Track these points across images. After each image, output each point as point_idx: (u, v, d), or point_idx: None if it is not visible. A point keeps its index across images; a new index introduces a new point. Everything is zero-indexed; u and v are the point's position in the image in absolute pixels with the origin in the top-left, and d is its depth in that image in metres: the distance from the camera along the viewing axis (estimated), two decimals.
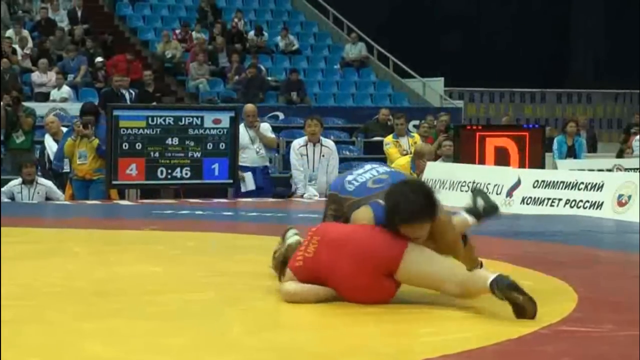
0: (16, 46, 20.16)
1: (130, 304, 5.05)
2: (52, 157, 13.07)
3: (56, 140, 12.97)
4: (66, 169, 12.37)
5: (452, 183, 11.72)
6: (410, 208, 4.81)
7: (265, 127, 13.01)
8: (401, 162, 12.72)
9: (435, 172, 12.12)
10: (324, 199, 12.27)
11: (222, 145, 12.01)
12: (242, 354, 4.07)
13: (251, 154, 12.65)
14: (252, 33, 23.04)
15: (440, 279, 4.87)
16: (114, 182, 11.74)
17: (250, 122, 12.71)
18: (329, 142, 12.81)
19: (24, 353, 3.98)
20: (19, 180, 12.09)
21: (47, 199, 12.06)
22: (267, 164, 13.23)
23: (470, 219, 5.41)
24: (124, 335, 4.39)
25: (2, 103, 14.38)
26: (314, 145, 12.47)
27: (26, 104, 15.06)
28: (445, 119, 17.57)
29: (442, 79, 23.51)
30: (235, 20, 23.39)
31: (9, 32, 20.50)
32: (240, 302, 5.10)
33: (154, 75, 19.90)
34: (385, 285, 4.90)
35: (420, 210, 4.85)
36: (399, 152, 13.66)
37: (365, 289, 4.87)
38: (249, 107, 13.07)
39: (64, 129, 12.93)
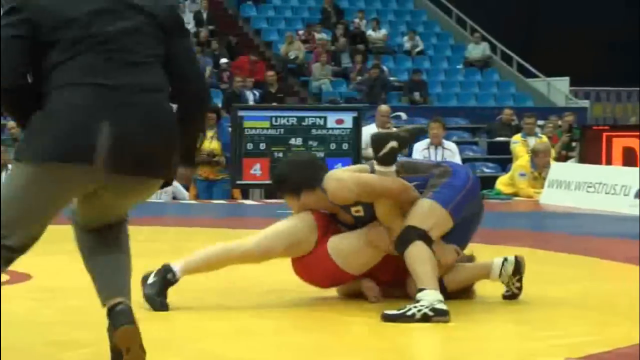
0: None
1: (253, 303, 5.10)
2: None
3: None
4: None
5: (577, 184, 11.54)
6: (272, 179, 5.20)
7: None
8: (522, 163, 12.59)
9: (560, 172, 11.95)
10: None
11: (345, 146, 12.02)
12: (366, 354, 4.08)
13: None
14: (374, 33, 23.06)
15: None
16: (238, 182, 11.87)
17: (383, 123, 12.85)
18: (450, 145, 12.79)
19: (150, 350, 4.05)
20: None
21: (174, 198, 12.29)
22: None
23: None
24: (247, 334, 4.44)
25: None
26: (436, 148, 12.49)
27: None
28: (569, 119, 17.31)
29: (568, 78, 23.15)
30: (357, 20, 23.43)
31: None
32: (364, 301, 5.11)
33: (277, 76, 20.08)
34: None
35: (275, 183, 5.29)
36: (526, 151, 13.50)
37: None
38: (384, 107, 13.33)
39: None
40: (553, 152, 14.40)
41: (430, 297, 4.57)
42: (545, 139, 14.38)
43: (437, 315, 4.53)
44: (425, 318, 4.51)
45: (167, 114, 3.48)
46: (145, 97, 3.40)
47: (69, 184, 3.45)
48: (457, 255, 5.05)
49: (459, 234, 5.01)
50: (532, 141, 13.78)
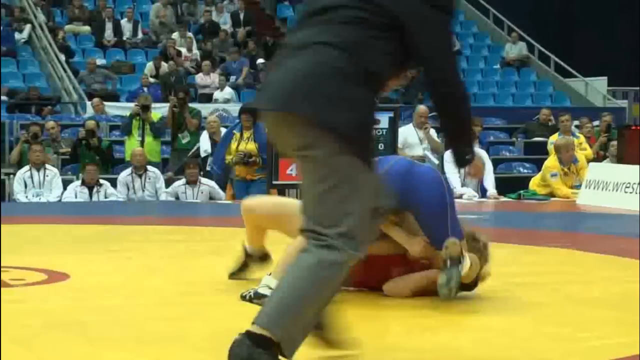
0: (182, 48, 20.68)
1: None
2: (201, 153, 13.43)
3: (213, 140, 13.24)
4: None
5: (615, 184, 11.47)
6: None
7: (433, 132, 13.18)
8: (550, 163, 12.54)
9: (598, 173, 11.88)
10: (483, 199, 12.27)
11: (381, 146, 12.00)
12: (403, 354, 4.08)
13: (418, 153, 12.72)
14: None
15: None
16: (274, 182, 11.89)
17: (421, 123, 12.85)
18: (481, 152, 12.77)
19: (189, 349, 4.09)
20: (183, 180, 12.40)
21: (211, 198, 12.34)
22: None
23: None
24: None
25: (169, 104, 14.78)
26: None
27: (191, 105, 15.42)
28: (607, 119, 17.20)
29: (606, 78, 23.00)
30: None
31: (175, 35, 21.03)
32: (399, 301, 5.11)
33: None
34: None
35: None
36: None
37: None
38: (422, 108, 13.34)
39: (223, 130, 13.17)
40: (590, 152, 14.33)
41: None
42: (583, 138, 14.32)
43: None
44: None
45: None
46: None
47: None
48: (422, 246, 5.05)
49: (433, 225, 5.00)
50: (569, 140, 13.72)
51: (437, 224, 4.95)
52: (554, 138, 13.89)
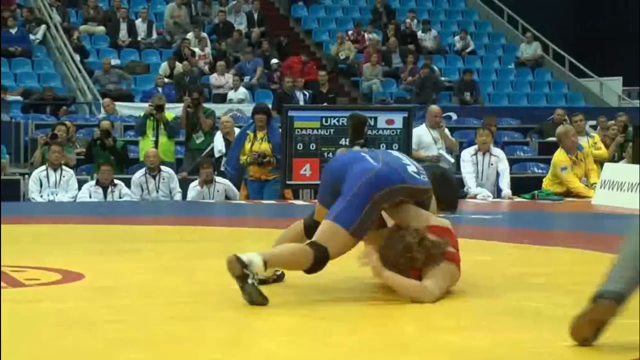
0: (196, 49, 20.71)
1: (301, 303, 5.12)
2: (215, 153, 13.45)
3: (227, 140, 13.25)
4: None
5: (630, 185, 11.43)
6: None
7: (447, 131, 13.21)
8: (557, 157, 12.48)
9: (613, 173, 11.84)
10: (498, 199, 12.25)
11: (395, 146, 12.01)
12: (415, 355, 4.08)
13: (433, 153, 12.71)
14: (424, 35, 23.01)
15: None
16: (289, 182, 11.90)
17: (435, 123, 12.84)
18: (498, 151, 12.76)
19: (203, 348, 4.09)
20: (197, 181, 12.41)
21: (227, 197, 12.36)
22: (448, 166, 13.26)
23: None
24: (298, 334, 4.46)
25: (183, 104, 14.80)
26: (484, 155, 12.48)
27: (205, 105, 15.44)
28: (622, 119, 17.15)
29: (621, 78, 22.94)
30: (408, 20, 23.40)
31: (189, 35, 21.07)
32: (413, 303, 5.11)
33: (328, 76, 20.12)
34: None
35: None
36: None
37: None
38: (435, 108, 13.33)
39: (237, 130, 13.18)
40: (605, 152, 14.28)
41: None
42: (597, 137, 14.27)
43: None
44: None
45: None
46: None
47: None
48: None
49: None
50: (583, 140, 13.68)
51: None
52: None
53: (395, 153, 5.47)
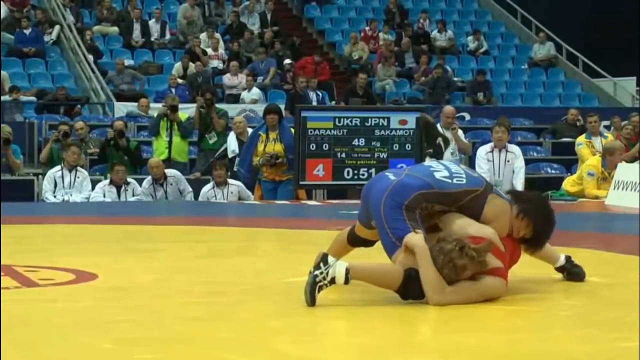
0: (209, 49, 20.73)
1: (316, 303, 5.12)
2: (229, 153, 13.45)
3: (240, 140, 13.26)
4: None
5: None
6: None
7: (460, 133, 13.17)
8: (592, 162, 12.46)
9: (626, 173, 11.81)
10: None
11: (408, 146, 12.01)
12: (429, 355, 4.08)
13: (446, 154, 12.69)
14: (438, 33, 23.00)
15: None
16: (302, 183, 11.90)
17: (448, 124, 12.83)
18: (514, 148, 12.73)
19: (216, 348, 4.10)
20: (211, 184, 12.38)
21: (239, 198, 12.35)
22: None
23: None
24: (311, 334, 4.46)
25: (196, 105, 14.82)
26: (500, 152, 12.46)
27: (218, 105, 15.45)
28: (636, 119, 17.08)
29: (634, 78, 22.88)
30: (422, 20, 23.38)
31: (202, 35, 21.09)
32: (425, 301, 5.10)
33: (341, 76, 20.11)
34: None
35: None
36: (591, 152, 13.36)
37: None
38: (449, 108, 13.33)
39: (250, 130, 13.18)
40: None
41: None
42: (611, 137, 14.21)
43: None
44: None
45: None
46: None
47: None
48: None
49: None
50: (597, 141, 13.64)
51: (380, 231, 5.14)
52: (581, 139, 13.81)
53: (429, 163, 5.48)
